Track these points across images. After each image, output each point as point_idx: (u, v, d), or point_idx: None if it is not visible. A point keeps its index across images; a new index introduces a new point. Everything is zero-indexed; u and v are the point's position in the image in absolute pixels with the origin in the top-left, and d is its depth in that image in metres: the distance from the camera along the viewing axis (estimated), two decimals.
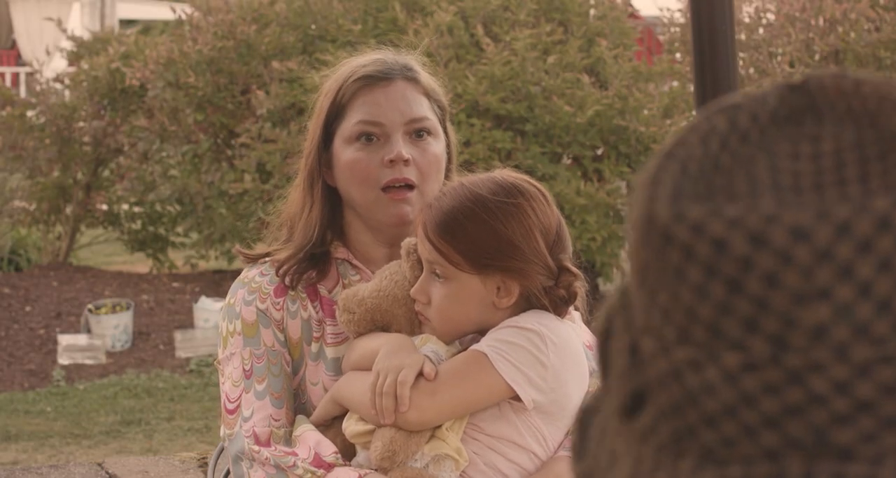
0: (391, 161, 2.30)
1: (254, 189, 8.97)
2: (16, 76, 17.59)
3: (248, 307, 2.36)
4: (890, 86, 0.75)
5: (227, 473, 2.50)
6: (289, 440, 2.30)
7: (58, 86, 10.66)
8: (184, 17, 9.89)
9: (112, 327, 8.47)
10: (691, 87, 7.18)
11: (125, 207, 10.41)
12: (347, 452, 2.29)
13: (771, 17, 9.52)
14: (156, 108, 9.53)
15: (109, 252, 11.12)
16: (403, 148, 2.31)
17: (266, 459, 2.25)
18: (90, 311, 8.56)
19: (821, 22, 9.10)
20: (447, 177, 2.40)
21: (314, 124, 2.39)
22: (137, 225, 10.30)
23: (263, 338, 2.34)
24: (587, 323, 2.41)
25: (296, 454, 2.25)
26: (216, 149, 9.50)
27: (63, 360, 8.21)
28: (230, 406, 2.33)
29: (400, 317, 2.29)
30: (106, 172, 10.44)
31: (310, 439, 2.27)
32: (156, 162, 9.63)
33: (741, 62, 8.87)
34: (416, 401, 2.16)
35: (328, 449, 2.26)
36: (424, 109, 2.37)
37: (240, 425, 2.30)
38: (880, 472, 0.68)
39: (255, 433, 2.29)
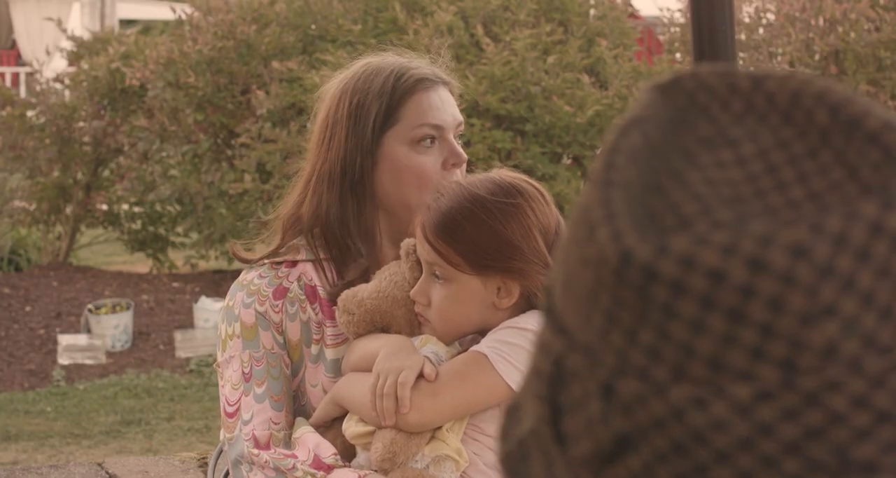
0: (453, 165, 2.33)
1: (254, 189, 8.97)
2: (16, 76, 17.59)
3: (246, 310, 2.35)
4: (799, 80, 0.73)
5: (227, 474, 2.49)
6: (289, 443, 2.30)
7: (58, 86, 10.66)
8: (184, 17, 9.89)
9: (112, 327, 8.47)
10: None
11: (125, 207, 10.41)
12: (347, 453, 2.29)
13: (771, 17, 9.52)
14: (156, 108, 9.53)
15: (109, 252, 11.12)
16: (461, 150, 2.37)
17: (265, 462, 2.25)
18: (90, 311, 8.55)
19: (821, 22, 9.10)
20: None
21: (354, 126, 2.34)
22: (137, 225, 10.30)
23: (262, 340, 2.34)
24: None
25: (295, 457, 2.25)
26: (216, 149, 9.50)
27: (63, 360, 8.21)
28: (230, 410, 2.33)
29: (399, 318, 2.28)
30: (106, 172, 10.44)
31: (309, 441, 2.27)
32: (156, 162, 9.63)
33: (741, 62, 8.87)
34: (416, 402, 2.16)
35: (327, 451, 2.25)
36: (460, 115, 2.42)
37: (239, 429, 2.30)
38: None
39: (255, 437, 2.29)
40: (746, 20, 9.52)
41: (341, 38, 9.13)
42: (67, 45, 11.89)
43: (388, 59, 2.40)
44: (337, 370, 2.34)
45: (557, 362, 0.73)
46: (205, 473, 5.36)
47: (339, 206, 2.35)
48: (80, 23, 16.26)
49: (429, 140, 2.33)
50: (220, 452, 2.61)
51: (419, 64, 2.40)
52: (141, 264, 10.51)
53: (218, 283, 9.53)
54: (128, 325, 8.55)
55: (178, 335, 8.39)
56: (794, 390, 0.67)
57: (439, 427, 2.20)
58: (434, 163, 2.33)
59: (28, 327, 8.72)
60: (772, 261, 0.66)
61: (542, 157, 8.66)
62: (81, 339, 8.35)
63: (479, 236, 2.17)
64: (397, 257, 2.36)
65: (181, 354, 8.31)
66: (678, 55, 9.97)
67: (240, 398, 2.32)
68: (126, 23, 19.33)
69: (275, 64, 9.00)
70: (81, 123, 10.19)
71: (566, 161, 9.02)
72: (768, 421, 0.67)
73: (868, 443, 0.67)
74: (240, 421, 2.31)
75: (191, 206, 9.45)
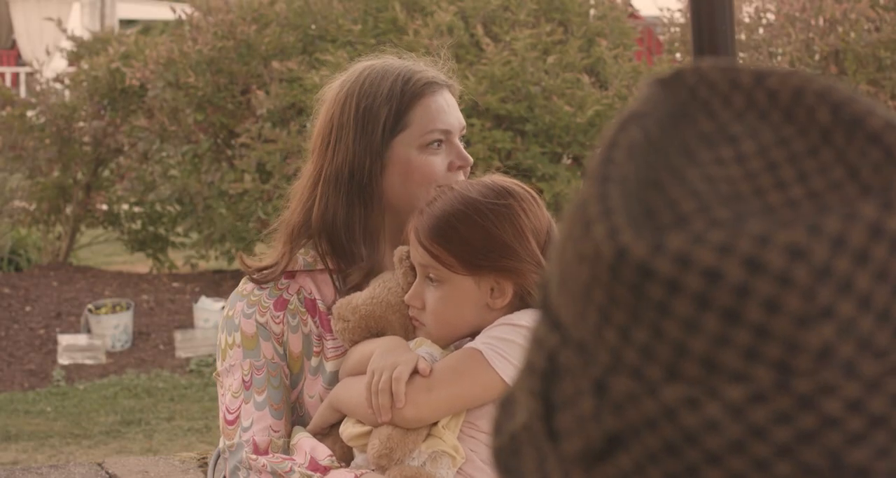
0: (459, 167, 2.36)
1: (254, 189, 8.97)
2: (16, 76, 17.59)
3: (247, 320, 2.35)
4: (801, 77, 0.72)
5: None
6: (287, 451, 2.30)
7: (58, 86, 10.66)
8: (184, 17, 9.89)
9: (112, 327, 8.47)
10: None
11: (125, 207, 10.41)
12: (346, 458, 2.29)
13: (771, 17, 9.52)
14: (156, 108, 9.53)
15: (109, 252, 11.12)
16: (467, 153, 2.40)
17: (263, 466, 2.26)
18: (90, 311, 8.55)
19: (821, 22, 9.10)
20: None
21: (362, 130, 2.34)
22: (137, 225, 10.30)
23: (263, 350, 2.34)
24: None
25: (292, 460, 2.26)
26: (216, 149, 9.50)
27: (63, 360, 8.21)
28: (230, 417, 2.33)
29: (394, 323, 2.29)
30: (106, 172, 10.44)
31: (305, 445, 2.28)
32: (156, 162, 9.63)
33: (741, 62, 8.85)
34: (411, 397, 2.17)
35: (323, 453, 2.26)
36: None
37: (239, 436, 2.30)
38: None
39: (255, 442, 2.29)
40: (746, 20, 9.52)
41: (341, 38, 9.13)
42: (67, 45, 11.89)
43: (392, 63, 2.40)
44: (335, 382, 2.35)
45: (551, 358, 0.72)
46: (205, 473, 5.36)
47: (345, 210, 2.35)
48: (80, 23, 16.26)
49: (436, 143, 2.35)
50: (220, 454, 2.61)
51: (423, 67, 2.41)
52: (141, 264, 10.51)
53: (218, 283, 9.53)
54: (128, 325, 8.55)
55: (178, 335, 8.39)
56: (788, 392, 0.66)
57: (435, 424, 2.21)
58: (441, 163, 2.35)
59: (28, 327, 8.72)
60: (769, 261, 0.65)
61: (542, 157, 8.66)
62: (81, 339, 8.35)
63: (472, 237, 2.19)
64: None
65: (181, 354, 8.31)
66: (678, 55, 9.97)
67: (240, 406, 2.32)
68: (126, 23, 19.33)
69: (275, 64, 9.00)
70: (81, 123, 10.19)
71: (566, 161, 9.02)
72: (761, 423, 0.66)
73: (861, 447, 0.66)
74: (239, 428, 2.31)
75: (191, 206, 9.45)
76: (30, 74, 13.73)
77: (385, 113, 2.34)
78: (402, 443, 2.18)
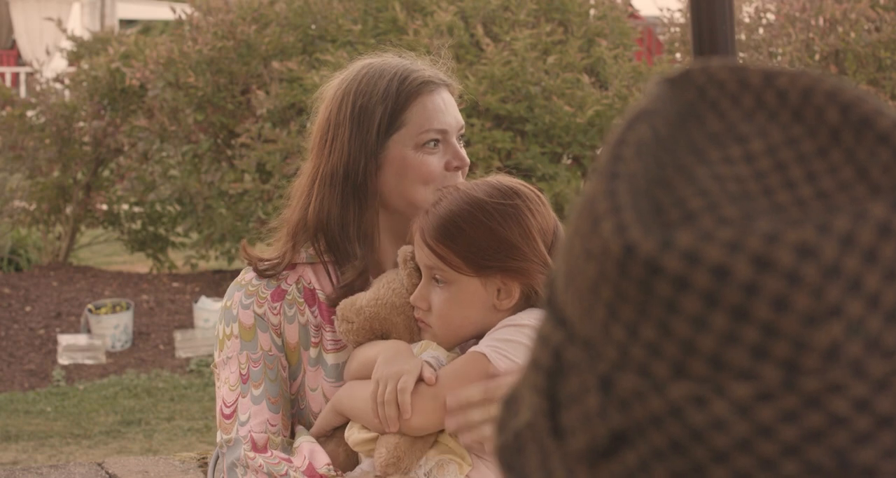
0: (456, 167, 2.35)
1: (254, 189, 8.97)
2: (16, 76, 17.59)
3: (245, 311, 2.36)
4: (811, 77, 0.72)
5: None
6: (286, 447, 2.30)
7: (58, 86, 10.66)
8: (184, 17, 9.89)
9: (112, 327, 8.47)
10: None
11: (125, 207, 10.41)
12: (351, 461, 2.29)
13: (771, 17, 9.52)
14: (156, 108, 9.54)
15: (109, 252, 11.12)
16: (464, 153, 2.39)
17: (259, 466, 2.25)
18: (90, 311, 8.55)
19: (821, 22, 9.10)
20: None
21: (358, 129, 2.34)
22: (137, 225, 10.30)
23: (261, 342, 2.34)
24: None
25: (290, 461, 2.25)
26: (216, 149, 9.50)
27: (63, 360, 8.21)
28: (227, 411, 2.33)
29: (399, 325, 2.28)
30: (106, 172, 10.44)
31: (304, 449, 2.27)
32: (156, 162, 9.63)
33: (741, 62, 8.85)
34: (418, 406, 2.15)
35: (322, 461, 2.25)
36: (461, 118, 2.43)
37: (236, 431, 2.30)
38: None
39: (253, 439, 2.29)
40: (746, 20, 9.52)
41: (341, 38, 9.13)
42: (67, 45, 11.90)
43: (390, 61, 2.40)
44: (337, 375, 2.34)
45: (557, 355, 0.72)
46: (205, 473, 5.36)
47: (340, 208, 2.35)
48: (80, 23, 16.26)
49: (433, 143, 2.34)
50: (217, 448, 2.61)
51: (421, 66, 2.40)
52: (141, 264, 10.51)
53: (218, 283, 9.53)
54: (128, 325, 8.55)
55: (178, 335, 8.39)
56: (795, 391, 0.66)
57: (442, 431, 2.19)
58: (438, 163, 2.34)
59: (28, 327, 8.72)
60: (778, 259, 0.65)
61: (542, 157, 8.66)
62: (81, 339, 8.35)
63: (479, 237, 2.17)
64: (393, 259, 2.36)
65: (181, 354, 8.31)
66: (678, 55, 9.97)
67: (237, 400, 2.32)
68: (126, 23, 19.33)
69: (275, 64, 9.00)
70: (81, 123, 10.19)
71: (566, 161, 9.02)
72: (768, 422, 0.66)
73: (868, 447, 0.66)
74: (237, 423, 2.30)
75: (191, 206, 9.45)
76: (30, 74, 13.73)
77: (380, 112, 2.34)
78: (410, 451, 2.17)
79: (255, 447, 2.28)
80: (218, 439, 2.34)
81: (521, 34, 8.79)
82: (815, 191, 0.69)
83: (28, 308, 9.01)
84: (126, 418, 7.15)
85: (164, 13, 16.02)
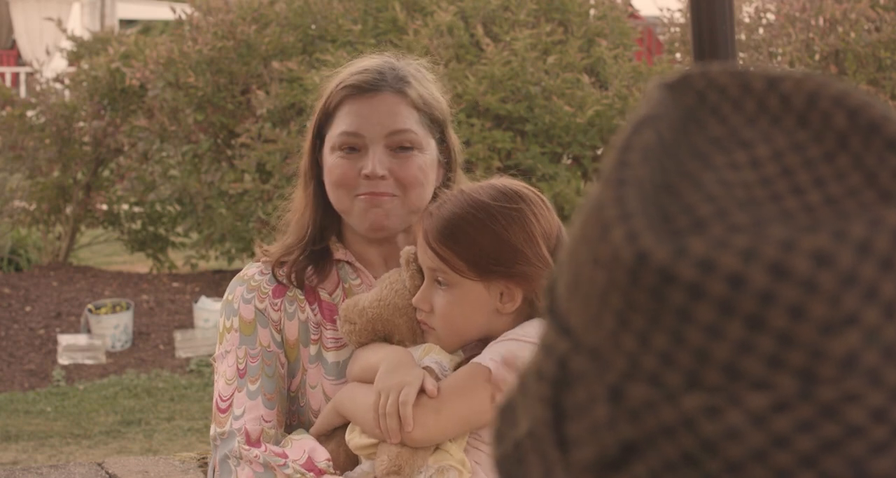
0: (367, 176, 2.29)
1: (254, 189, 8.97)
2: (16, 76, 17.59)
3: (246, 305, 2.36)
4: (816, 82, 0.71)
5: None
6: (279, 441, 2.30)
7: (58, 86, 10.66)
8: (184, 17, 9.89)
9: (112, 327, 8.47)
10: None
11: (125, 207, 10.41)
12: (351, 462, 2.28)
13: (771, 17, 9.52)
14: (156, 108, 9.54)
15: (109, 252, 11.12)
16: (380, 162, 2.29)
17: (255, 457, 2.25)
18: (90, 311, 8.55)
19: (821, 22, 9.10)
20: (448, 185, 2.38)
21: (310, 125, 2.40)
22: (137, 225, 10.30)
23: (260, 338, 2.35)
24: None
25: (286, 456, 2.25)
26: (216, 149, 9.50)
27: (63, 360, 8.21)
28: (222, 405, 2.33)
29: (401, 326, 2.27)
30: (106, 172, 10.44)
31: (305, 445, 2.27)
32: (156, 162, 9.63)
33: (741, 62, 8.87)
34: (420, 419, 2.15)
35: (321, 455, 2.25)
36: (409, 123, 2.33)
37: (230, 425, 2.30)
38: None
39: (247, 431, 2.29)
40: (746, 20, 9.52)
41: (341, 38, 9.13)
42: (67, 45, 11.90)
43: (358, 63, 2.40)
44: (338, 373, 2.34)
45: (562, 364, 0.71)
46: (205, 473, 5.36)
47: (298, 203, 2.40)
48: (80, 23, 16.26)
49: (347, 149, 2.32)
50: (211, 441, 2.61)
51: (375, 68, 2.37)
52: (141, 264, 10.51)
53: (218, 283, 9.53)
54: (128, 325, 8.55)
55: (178, 335, 8.39)
56: (811, 400, 0.65)
57: None
58: (350, 168, 2.31)
59: (28, 327, 8.72)
60: (794, 267, 0.64)
61: (542, 157, 8.66)
62: (81, 339, 8.35)
63: (482, 241, 2.16)
64: (375, 255, 2.36)
65: (181, 354, 8.30)
66: (678, 55, 9.98)
67: (233, 394, 2.32)
68: (126, 23, 19.33)
69: (275, 64, 9.00)
70: (81, 123, 10.19)
71: (566, 161, 9.02)
72: (784, 432, 0.65)
73: (885, 457, 0.65)
74: (231, 417, 2.31)
75: (191, 206, 9.45)
76: (30, 74, 13.73)
77: (319, 111, 2.37)
78: (411, 460, 2.17)
79: (249, 440, 2.28)
80: (211, 433, 2.34)
81: (521, 34, 8.79)
82: (824, 197, 0.68)
83: (28, 308, 9.01)
84: (126, 418, 7.15)
85: (164, 13, 16.02)
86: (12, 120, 10.09)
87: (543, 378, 0.72)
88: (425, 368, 2.21)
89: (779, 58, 9.17)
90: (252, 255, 2.57)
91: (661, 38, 11.17)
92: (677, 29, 10.14)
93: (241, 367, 2.33)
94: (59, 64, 13.97)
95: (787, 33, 9.14)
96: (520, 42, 8.73)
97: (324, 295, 2.37)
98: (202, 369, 8.01)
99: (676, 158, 0.70)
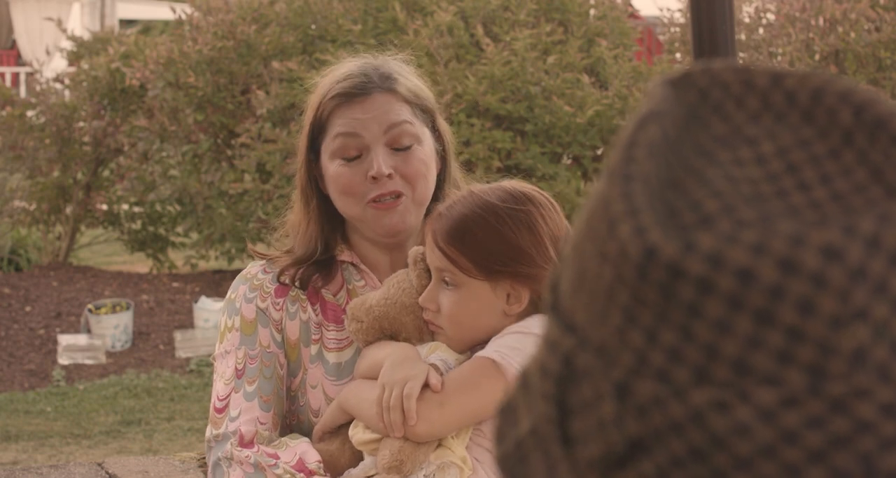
0: (374, 177, 2.29)
1: (254, 189, 8.97)
2: (16, 76, 17.59)
3: (248, 304, 2.37)
4: (821, 79, 0.71)
5: None
6: (274, 442, 2.30)
7: (58, 86, 10.66)
8: (184, 17, 9.89)
9: (112, 327, 8.47)
10: None
11: (125, 207, 10.41)
12: (356, 459, 2.29)
13: (771, 17, 9.52)
14: (156, 108, 9.54)
15: (109, 252, 11.12)
16: (384, 162, 2.29)
17: (246, 457, 2.26)
18: (90, 311, 8.55)
19: (821, 22, 9.10)
20: (446, 171, 2.40)
21: (301, 141, 2.39)
22: (137, 225, 10.30)
23: (260, 338, 2.35)
24: None
25: (278, 457, 2.26)
26: (216, 149, 9.50)
27: (63, 360, 8.21)
28: (219, 405, 2.34)
29: (408, 325, 2.28)
30: (106, 172, 10.44)
31: (298, 448, 2.28)
32: (156, 162, 9.63)
33: (741, 62, 8.85)
34: (423, 413, 2.15)
35: (313, 457, 2.26)
36: (404, 115, 2.33)
37: (226, 426, 2.30)
38: None
39: (241, 432, 2.29)
40: (746, 20, 9.52)
41: (341, 38, 9.13)
42: (67, 45, 11.90)
43: (338, 69, 2.38)
44: (339, 374, 2.35)
45: (567, 361, 0.71)
46: (205, 473, 5.36)
47: (300, 217, 2.40)
48: (80, 23, 16.26)
49: (353, 151, 2.31)
50: (206, 443, 2.62)
51: (358, 71, 2.35)
52: (141, 264, 10.51)
53: (218, 283, 9.53)
54: (128, 325, 8.55)
55: (178, 335, 8.39)
56: (820, 396, 0.64)
57: None
58: (354, 174, 2.31)
59: (28, 327, 8.72)
60: (803, 262, 0.64)
61: (542, 157, 8.66)
62: (81, 339, 8.35)
63: (490, 242, 2.17)
64: (383, 259, 2.37)
65: (181, 354, 8.31)
66: (678, 55, 9.98)
67: (230, 394, 2.33)
68: (126, 23, 19.33)
69: (275, 64, 9.00)
70: (81, 123, 10.19)
71: (566, 161, 9.02)
72: (793, 427, 0.65)
73: (895, 453, 0.65)
74: (227, 418, 2.32)
75: (191, 206, 9.45)
76: (30, 74, 13.73)
77: (310, 124, 2.36)
78: (413, 455, 2.17)
79: (243, 441, 2.29)
80: (207, 435, 2.34)
81: (521, 34, 8.79)
82: (830, 193, 0.68)
83: (28, 308, 9.01)
84: (126, 418, 7.15)
85: (164, 13, 16.02)
86: (12, 120, 10.09)
87: (547, 375, 0.72)
88: (430, 364, 2.21)
89: (779, 58, 9.17)
90: (252, 256, 2.55)
91: (661, 38, 11.17)
92: (677, 29, 10.14)
93: (239, 368, 2.34)
94: (59, 64, 13.97)
95: (787, 33, 9.14)
96: (520, 42, 8.73)
97: (327, 296, 2.38)
98: (202, 369, 8.00)
99: (681, 154, 0.70)
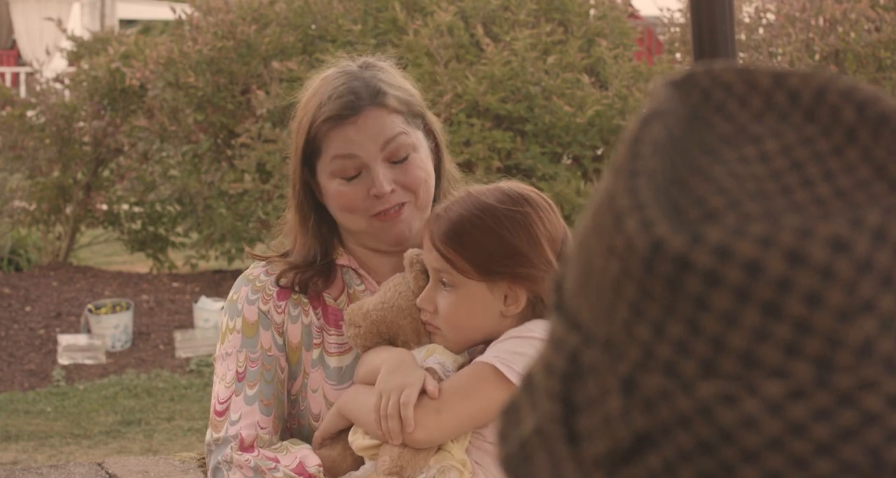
0: (376, 196, 2.28)
1: (254, 189, 8.97)
2: (16, 76, 17.59)
3: (250, 306, 2.36)
4: (824, 77, 0.71)
5: None
6: (275, 447, 2.30)
7: (58, 86, 10.66)
8: (184, 17, 9.89)
9: (112, 327, 8.47)
10: None
11: (125, 207, 10.41)
12: (356, 465, 2.29)
13: (771, 17, 9.52)
14: (156, 108, 9.54)
15: (109, 252, 11.12)
16: (385, 178, 2.28)
17: (246, 461, 2.26)
18: (90, 311, 8.55)
19: (821, 22, 9.10)
20: (441, 166, 2.39)
21: (294, 160, 2.37)
22: (137, 225, 10.30)
23: (262, 340, 2.34)
24: None
25: (278, 461, 2.26)
26: (216, 149, 9.50)
27: (63, 360, 8.21)
28: (219, 408, 2.33)
29: (406, 327, 2.28)
30: (106, 172, 10.44)
31: (299, 452, 2.28)
32: (156, 162, 9.63)
33: (741, 62, 8.85)
34: (421, 420, 2.15)
35: (313, 461, 2.26)
36: (398, 127, 2.31)
37: (226, 430, 2.30)
38: None
39: (242, 436, 2.29)
40: (746, 20, 9.52)
41: (341, 38, 9.13)
42: (67, 45, 11.90)
43: (324, 86, 2.35)
44: (340, 378, 2.35)
45: (573, 358, 0.70)
46: (205, 473, 5.36)
47: (296, 231, 2.39)
48: (80, 23, 16.27)
49: (351, 171, 2.30)
50: (206, 446, 2.61)
51: (339, 89, 2.32)
52: (141, 264, 10.51)
53: (218, 283, 9.53)
54: (128, 325, 8.55)
55: (178, 335, 8.39)
56: (828, 388, 0.65)
57: None
58: (356, 192, 2.30)
59: (28, 327, 8.72)
60: (811, 254, 0.64)
61: (542, 157, 8.66)
62: (81, 339, 8.35)
63: (487, 243, 2.17)
64: (383, 263, 2.37)
65: (181, 354, 8.31)
66: (678, 55, 9.98)
67: (230, 397, 2.32)
68: (126, 23, 19.33)
69: (275, 64, 9.00)
70: (81, 123, 10.19)
71: (566, 161, 9.02)
72: (800, 420, 0.65)
73: None
74: (227, 422, 2.31)
75: (191, 206, 9.45)
76: (30, 74, 13.73)
77: (303, 145, 2.34)
78: (413, 460, 2.17)
79: (243, 445, 2.29)
80: (207, 438, 2.34)
81: (521, 34, 8.79)
82: (834, 189, 0.68)
83: (28, 308, 9.01)
84: (126, 418, 7.15)
85: (164, 13, 16.02)
86: (12, 120, 10.09)
87: (553, 373, 0.71)
88: (428, 369, 2.21)
89: (779, 58, 9.17)
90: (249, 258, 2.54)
91: (661, 38, 11.17)
92: (677, 29, 10.14)
93: (240, 371, 2.33)
94: (59, 64, 13.97)
95: (787, 33, 9.14)
96: (520, 42, 8.73)
97: (328, 300, 2.38)
98: (202, 369, 8.00)
99: (686, 153, 0.70)
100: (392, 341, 2.29)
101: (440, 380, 2.20)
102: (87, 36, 12.16)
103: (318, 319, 2.36)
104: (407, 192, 2.30)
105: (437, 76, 8.62)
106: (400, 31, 9.01)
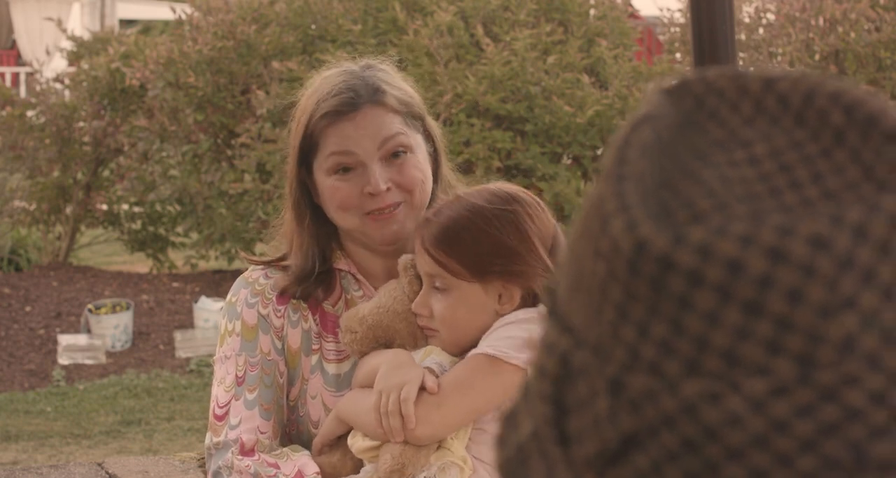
0: (371, 194, 2.28)
1: (254, 189, 8.97)
2: (16, 76, 17.59)
3: (250, 310, 2.36)
4: (812, 81, 0.71)
5: None
6: (275, 452, 2.29)
7: (58, 86, 10.66)
8: (184, 17, 9.89)
9: (112, 327, 8.47)
10: None
11: (125, 207, 10.41)
12: (358, 470, 2.29)
13: (771, 17, 9.52)
14: (156, 108, 9.54)
15: (109, 252, 11.12)
16: (381, 177, 2.27)
17: (247, 466, 2.25)
18: (90, 311, 8.55)
19: (821, 22, 9.10)
20: (438, 172, 2.39)
21: (291, 158, 2.36)
22: (137, 225, 10.30)
23: (261, 344, 2.34)
24: None
25: (278, 467, 2.26)
26: (216, 149, 9.50)
27: (63, 360, 8.21)
28: (219, 412, 2.33)
29: (402, 331, 2.29)
30: (106, 172, 10.44)
31: (298, 460, 2.27)
32: (156, 162, 9.63)
33: (741, 62, 8.86)
34: (422, 416, 2.16)
35: (311, 469, 2.26)
36: (396, 127, 2.31)
37: (226, 434, 2.30)
38: None
39: (242, 441, 2.29)
40: (746, 20, 9.52)
41: (341, 38, 9.13)
42: (67, 45, 11.90)
43: (324, 84, 2.35)
44: (338, 385, 2.35)
45: (564, 361, 0.71)
46: (204, 473, 5.36)
47: (293, 232, 2.38)
48: (80, 23, 16.27)
49: (342, 169, 2.30)
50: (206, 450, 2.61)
51: (338, 86, 2.32)
52: (141, 264, 10.51)
53: (218, 283, 9.53)
54: (128, 325, 8.55)
55: (178, 335, 8.39)
56: (810, 384, 0.65)
57: None
58: (351, 190, 2.29)
59: (28, 327, 8.72)
60: (792, 252, 0.65)
61: (542, 157, 8.66)
62: (81, 339, 8.35)
63: (478, 244, 2.18)
64: (380, 266, 2.37)
65: (181, 354, 8.31)
66: (678, 55, 9.98)
67: (230, 402, 2.32)
68: (126, 23, 19.33)
69: (275, 64, 9.00)
70: (81, 123, 10.19)
71: (566, 161, 9.02)
72: (783, 417, 0.65)
73: (885, 441, 0.65)
74: (227, 426, 2.31)
75: (191, 206, 9.45)
76: (30, 74, 13.73)
77: (300, 142, 2.34)
78: (415, 458, 2.17)
79: (243, 450, 2.28)
80: (206, 442, 2.33)
81: (521, 34, 8.79)
82: (822, 191, 0.68)
83: (28, 308, 9.01)
84: (126, 418, 7.15)
85: (164, 13, 16.01)
86: (12, 120, 10.09)
87: (545, 376, 0.72)
88: (426, 368, 2.22)
89: (779, 58, 9.17)
90: (252, 254, 2.55)
91: (661, 38, 11.17)
92: (677, 29, 10.14)
93: (240, 375, 2.33)
94: (59, 64, 13.97)
95: (787, 33, 9.14)
96: (520, 42, 8.73)
97: (326, 306, 2.38)
98: (202, 369, 8.01)
99: (676, 157, 0.70)
100: (388, 346, 2.30)
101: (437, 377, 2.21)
102: (87, 36, 12.16)
103: (317, 325, 2.36)
104: (402, 191, 2.30)
105: (437, 76, 8.62)
106: (400, 31, 9.01)
